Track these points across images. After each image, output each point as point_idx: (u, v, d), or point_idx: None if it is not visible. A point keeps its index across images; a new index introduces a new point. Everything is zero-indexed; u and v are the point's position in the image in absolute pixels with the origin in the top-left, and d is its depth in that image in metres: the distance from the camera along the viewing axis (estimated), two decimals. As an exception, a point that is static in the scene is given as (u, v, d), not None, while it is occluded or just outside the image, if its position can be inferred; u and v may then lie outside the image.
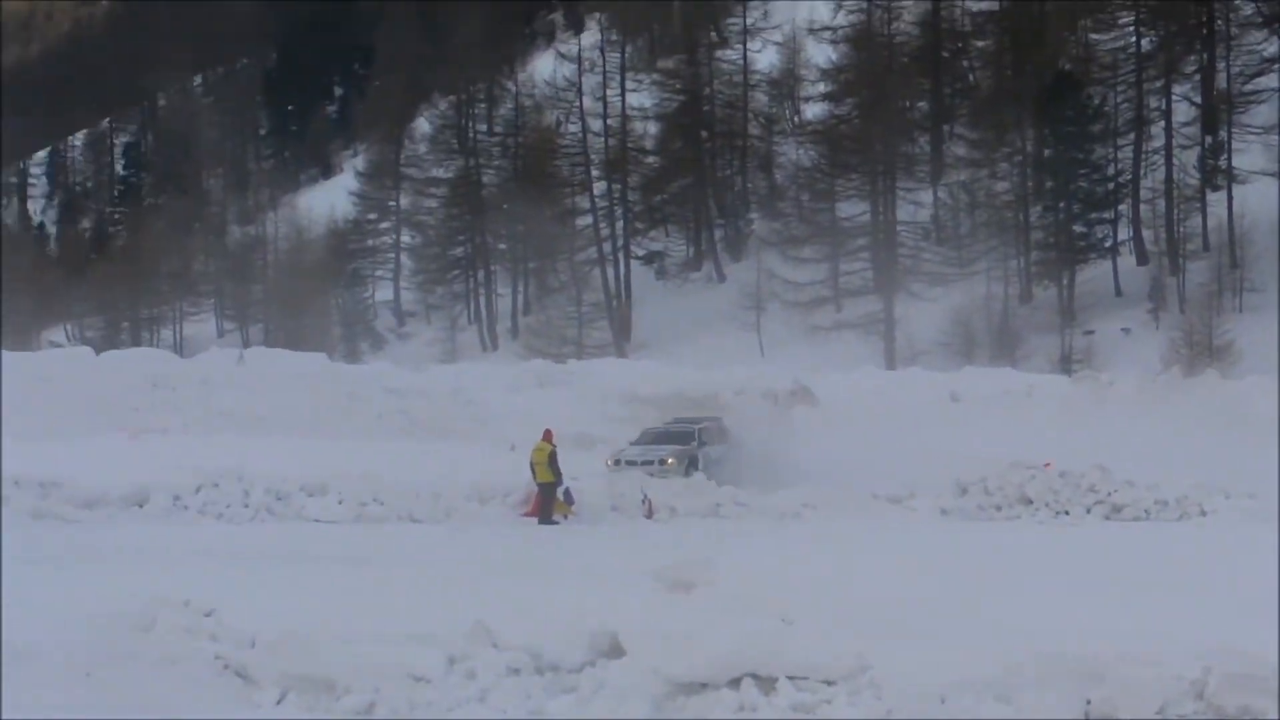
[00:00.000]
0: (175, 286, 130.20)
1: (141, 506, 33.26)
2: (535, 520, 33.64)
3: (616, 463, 40.72)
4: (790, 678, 13.67)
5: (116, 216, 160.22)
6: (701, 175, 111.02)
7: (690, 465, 40.76)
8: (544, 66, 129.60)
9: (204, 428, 52.40)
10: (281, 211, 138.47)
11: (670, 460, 40.38)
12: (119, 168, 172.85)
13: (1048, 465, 35.52)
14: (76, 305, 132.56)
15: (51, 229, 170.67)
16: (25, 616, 16.48)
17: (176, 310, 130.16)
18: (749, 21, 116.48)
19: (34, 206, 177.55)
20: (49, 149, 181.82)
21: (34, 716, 12.60)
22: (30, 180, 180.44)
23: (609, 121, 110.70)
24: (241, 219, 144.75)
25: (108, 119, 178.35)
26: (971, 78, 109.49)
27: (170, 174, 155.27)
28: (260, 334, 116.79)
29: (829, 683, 13.73)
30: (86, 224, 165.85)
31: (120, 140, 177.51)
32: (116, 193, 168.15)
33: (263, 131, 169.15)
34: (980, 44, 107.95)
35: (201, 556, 25.40)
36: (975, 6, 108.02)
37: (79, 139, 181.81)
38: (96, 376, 58.68)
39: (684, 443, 42.38)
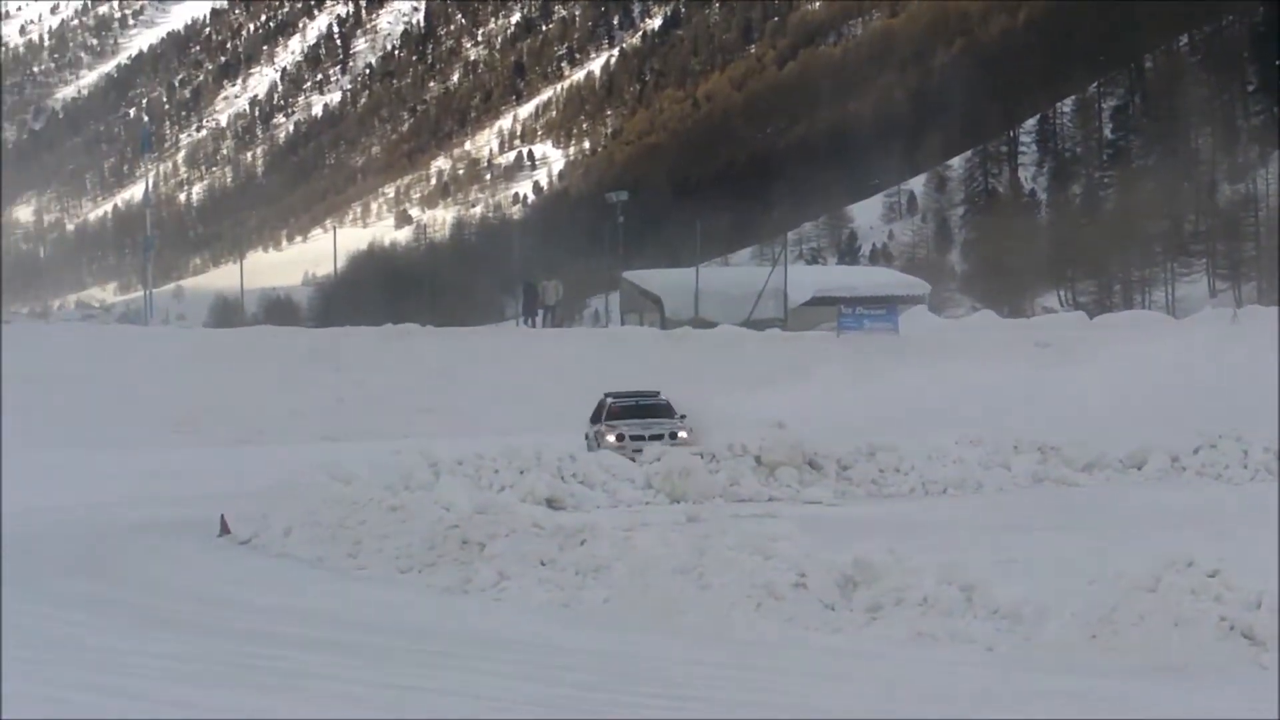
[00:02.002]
0: (1166, 248, 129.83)
1: (1140, 469, 33.91)
2: None
3: (620, 438, 37.18)
4: None
5: (1105, 180, 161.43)
6: None
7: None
8: None
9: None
10: (1272, 168, 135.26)
11: (683, 434, 37.05)
12: (1107, 131, 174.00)
13: None
14: (1068, 270, 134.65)
15: (1042, 195, 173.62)
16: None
17: (1168, 271, 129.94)
18: None
19: (1024, 174, 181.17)
20: (1038, 116, 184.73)
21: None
22: (1020, 149, 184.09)
23: None
24: (1231, 176, 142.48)
25: (1096, 83, 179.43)
26: None
27: (1158, 135, 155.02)
28: (1253, 292, 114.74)
29: None
30: (1076, 189, 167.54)
31: (1108, 104, 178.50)
32: (1105, 156, 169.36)
33: (1251, 87, 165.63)
34: None
35: (1202, 518, 25.74)
36: None
37: (1067, 105, 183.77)
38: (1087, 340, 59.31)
39: (669, 416, 38.92)
